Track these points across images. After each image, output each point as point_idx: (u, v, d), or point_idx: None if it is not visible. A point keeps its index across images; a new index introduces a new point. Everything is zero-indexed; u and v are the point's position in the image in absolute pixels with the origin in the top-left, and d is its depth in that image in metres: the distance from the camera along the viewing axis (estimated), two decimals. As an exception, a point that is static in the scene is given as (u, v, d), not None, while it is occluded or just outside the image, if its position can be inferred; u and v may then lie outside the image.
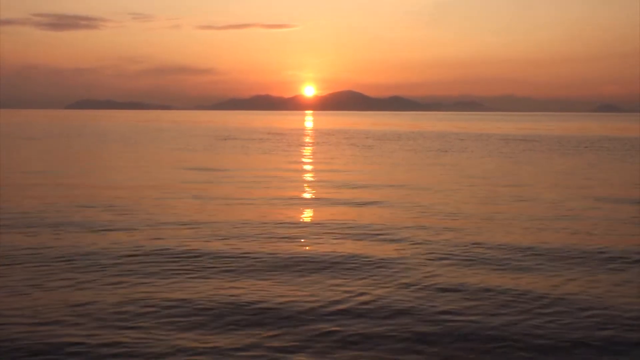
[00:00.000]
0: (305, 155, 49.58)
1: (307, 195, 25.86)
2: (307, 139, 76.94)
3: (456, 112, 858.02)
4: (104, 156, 47.41)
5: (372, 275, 13.24)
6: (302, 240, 16.68)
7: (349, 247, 15.80)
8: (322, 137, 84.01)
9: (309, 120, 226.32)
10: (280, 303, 11.31)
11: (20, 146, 57.21)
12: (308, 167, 39.29)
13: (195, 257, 14.62)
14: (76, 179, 31.49)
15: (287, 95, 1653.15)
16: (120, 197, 24.13)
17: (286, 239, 16.68)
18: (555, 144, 67.14)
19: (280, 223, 19.00)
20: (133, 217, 19.81)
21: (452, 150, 55.73)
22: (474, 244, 16.32)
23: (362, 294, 11.94)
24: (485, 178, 32.93)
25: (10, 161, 41.70)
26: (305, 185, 29.95)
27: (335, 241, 16.51)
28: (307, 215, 20.95)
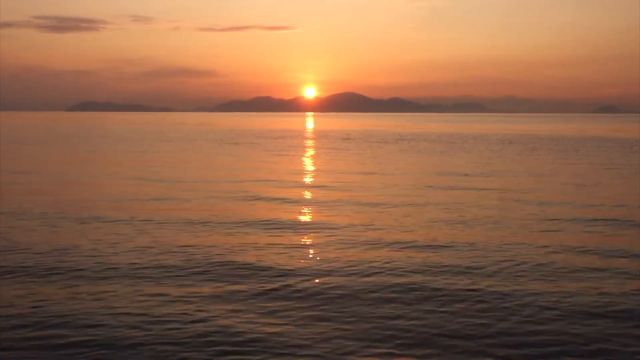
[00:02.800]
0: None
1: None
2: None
3: (457, 114, 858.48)
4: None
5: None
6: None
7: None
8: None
9: (318, 122, 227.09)
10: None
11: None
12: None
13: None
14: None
15: (287, 97, 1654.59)
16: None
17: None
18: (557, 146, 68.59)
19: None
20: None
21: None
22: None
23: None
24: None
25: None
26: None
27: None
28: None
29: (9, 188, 28.35)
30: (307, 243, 17.08)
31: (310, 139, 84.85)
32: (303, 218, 21.09)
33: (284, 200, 25.04)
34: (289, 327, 10.56)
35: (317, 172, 37.93)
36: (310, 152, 57.54)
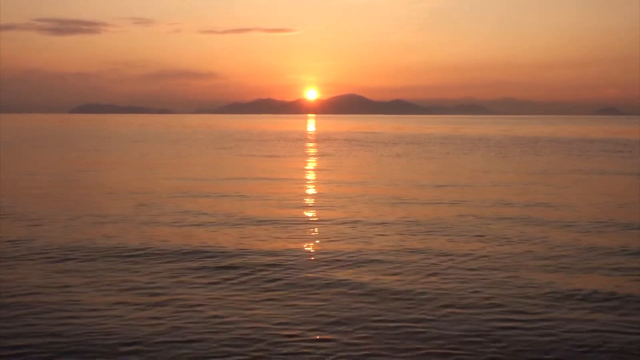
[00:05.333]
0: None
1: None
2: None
3: (458, 116, 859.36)
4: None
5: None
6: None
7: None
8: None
9: (324, 124, 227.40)
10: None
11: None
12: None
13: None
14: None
15: (289, 99, 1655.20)
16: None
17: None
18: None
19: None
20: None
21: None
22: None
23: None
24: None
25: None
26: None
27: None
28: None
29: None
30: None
31: (331, 142, 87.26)
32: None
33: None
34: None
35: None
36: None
